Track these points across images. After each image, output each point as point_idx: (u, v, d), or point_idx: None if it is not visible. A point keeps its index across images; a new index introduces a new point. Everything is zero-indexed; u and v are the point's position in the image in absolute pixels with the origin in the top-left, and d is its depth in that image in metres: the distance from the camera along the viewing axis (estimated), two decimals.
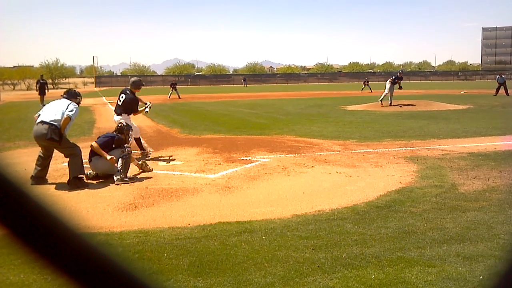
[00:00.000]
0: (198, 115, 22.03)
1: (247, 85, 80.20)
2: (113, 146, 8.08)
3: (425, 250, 4.56)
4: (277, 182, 7.65)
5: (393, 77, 24.43)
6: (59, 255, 0.45)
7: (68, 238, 0.46)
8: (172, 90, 41.44)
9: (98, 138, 8.34)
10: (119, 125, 8.63)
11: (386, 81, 24.80)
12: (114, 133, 8.41)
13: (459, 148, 10.59)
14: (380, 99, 24.26)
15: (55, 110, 7.63)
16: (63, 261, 0.45)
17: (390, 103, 23.93)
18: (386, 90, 24.02)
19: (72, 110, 7.64)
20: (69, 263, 0.45)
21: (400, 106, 23.33)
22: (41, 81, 30.10)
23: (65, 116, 7.55)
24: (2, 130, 16.40)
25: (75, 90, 8.34)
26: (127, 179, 7.84)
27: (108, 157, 7.81)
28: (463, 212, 5.80)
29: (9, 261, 4.34)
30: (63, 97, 7.98)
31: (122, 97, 10.09)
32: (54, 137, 7.46)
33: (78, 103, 8.00)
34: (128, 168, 8.02)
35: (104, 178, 8.05)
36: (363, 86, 48.63)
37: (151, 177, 8.15)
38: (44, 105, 7.86)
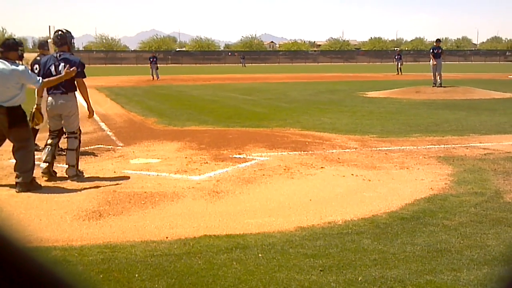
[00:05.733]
0: (179, 101, 21.97)
1: (246, 64, 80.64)
2: None
3: (461, 273, 4.57)
4: (277, 187, 7.66)
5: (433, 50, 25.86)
6: (4, 274, 0.45)
7: (15, 253, 0.45)
8: (152, 68, 40.34)
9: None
10: None
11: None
12: None
13: (506, 147, 10.61)
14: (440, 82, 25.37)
15: (2, 86, 7.50)
16: (9, 282, 0.45)
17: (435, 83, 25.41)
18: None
19: (29, 77, 7.54)
20: (17, 284, 0.45)
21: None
22: None
23: (33, 86, 7.53)
24: None
25: (14, 40, 8.20)
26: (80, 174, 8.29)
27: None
28: (509, 227, 5.82)
29: None
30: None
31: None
32: (18, 122, 7.49)
33: (21, 56, 7.89)
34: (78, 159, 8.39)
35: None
36: (397, 64, 48.57)
37: (119, 178, 8.14)
38: None
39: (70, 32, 8.70)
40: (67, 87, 8.26)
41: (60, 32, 8.59)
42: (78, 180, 8.10)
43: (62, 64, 8.25)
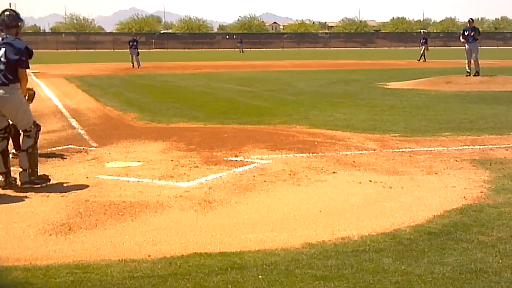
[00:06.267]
0: (165, 93, 21.99)
1: (244, 49, 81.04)
2: None
3: None
4: (281, 195, 7.66)
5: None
6: None
7: None
8: (131, 54, 40.86)
9: None
10: None
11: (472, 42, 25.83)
12: None
13: None
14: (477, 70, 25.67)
15: None
16: None
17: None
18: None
19: None
20: None
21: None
22: None
23: None
24: None
25: None
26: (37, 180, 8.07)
27: None
28: None
29: None
30: None
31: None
32: None
33: None
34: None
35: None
36: (422, 49, 49.25)
37: (93, 185, 8.11)
38: None
39: (19, 14, 8.52)
40: (8, 77, 7.96)
41: (7, 13, 8.36)
42: (35, 188, 7.97)
43: (3, 49, 8.01)
